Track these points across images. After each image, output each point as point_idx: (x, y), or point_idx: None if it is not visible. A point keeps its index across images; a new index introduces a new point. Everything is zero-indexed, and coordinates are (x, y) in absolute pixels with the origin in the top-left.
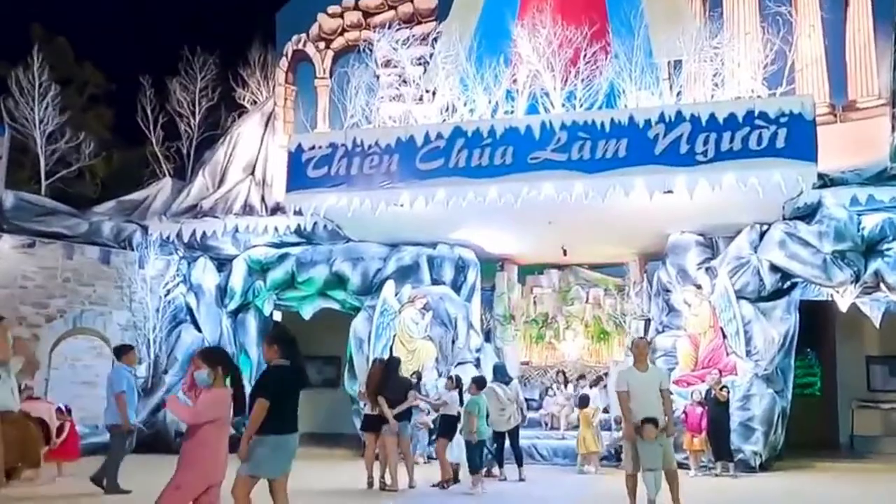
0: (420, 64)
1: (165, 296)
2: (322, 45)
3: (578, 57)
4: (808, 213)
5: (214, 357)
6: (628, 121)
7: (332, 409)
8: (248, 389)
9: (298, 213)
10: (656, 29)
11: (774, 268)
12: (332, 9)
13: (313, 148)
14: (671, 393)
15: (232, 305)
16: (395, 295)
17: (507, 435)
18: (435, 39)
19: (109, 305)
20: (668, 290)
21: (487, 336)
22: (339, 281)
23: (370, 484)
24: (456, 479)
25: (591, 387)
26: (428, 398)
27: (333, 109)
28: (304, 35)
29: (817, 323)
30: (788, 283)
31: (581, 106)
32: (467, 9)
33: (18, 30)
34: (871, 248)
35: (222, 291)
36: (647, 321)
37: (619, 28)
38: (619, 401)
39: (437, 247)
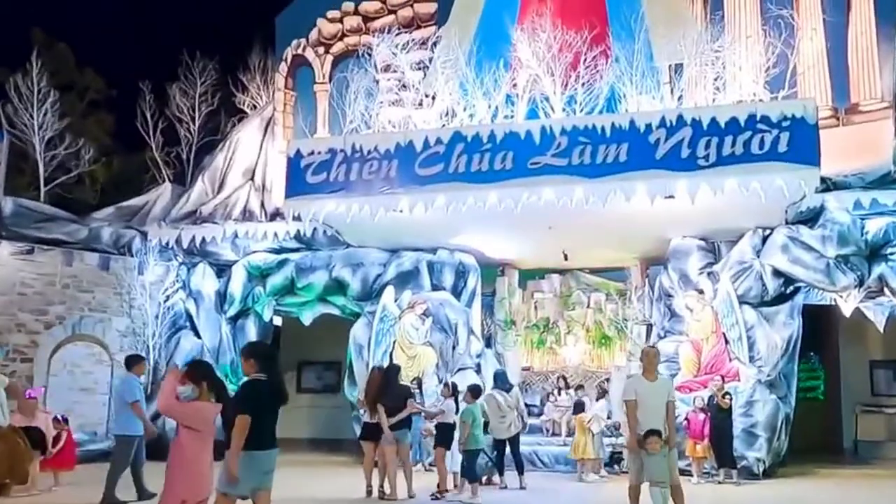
0: (420, 68)
1: (165, 302)
2: (322, 49)
3: (579, 61)
4: (811, 218)
5: (199, 372)
6: (629, 125)
7: (333, 414)
8: None
9: (297, 218)
10: (657, 32)
11: (777, 272)
12: (331, 13)
13: (312, 153)
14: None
15: (231, 311)
16: (395, 301)
17: (507, 442)
18: (434, 44)
19: (109, 312)
20: (669, 295)
21: (488, 342)
22: (338, 286)
23: (369, 492)
24: (455, 486)
25: (597, 400)
26: (425, 407)
27: (333, 114)
28: (303, 40)
29: (820, 327)
30: (791, 287)
31: (581, 110)
32: (467, 13)
33: (19, 35)
34: (874, 252)
35: (222, 297)
36: (649, 326)
37: (620, 32)
38: (627, 410)
39: (438, 252)
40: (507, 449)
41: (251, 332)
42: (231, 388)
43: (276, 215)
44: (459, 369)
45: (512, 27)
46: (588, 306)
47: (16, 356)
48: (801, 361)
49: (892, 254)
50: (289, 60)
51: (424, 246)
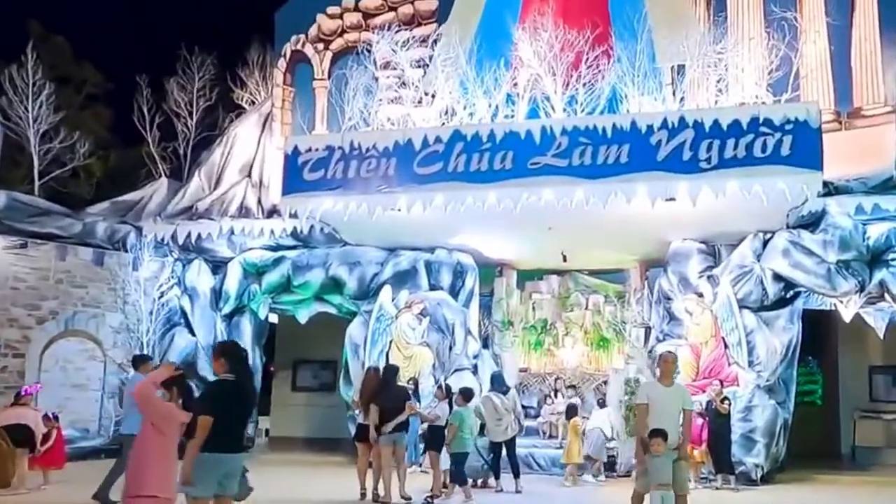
0: (420, 66)
1: (159, 298)
2: (321, 46)
3: (580, 61)
4: (812, 222)
5: (170, 379)
6: (630, 126)
7: (328, 414)
8: None
9: (294, 216)
10: (659, 33)
11: (778, 277)
12: (331, 10)
13: (310, 150)
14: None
15: (226, 309)
16: (392, 300)
17: (503, 445)
18: (435, 42)
19: (102, 307)
20: (669, 298)
21: (485, 342)
22: (335, 285)
23: (363, 495)
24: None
25: (602, 407)
26: (421, 409)
27: (332, 111)
28: (303, 36)
29: (819, 332)
30: (791, 292)
31: (582, 111)
32: (468, 11)
33: (17, 28)
34: (876, 257)
35: (217, 294)
36: (648, 329)
37: (622, 32)
38: (637, 413)
39: (436, 251)
40: (504, 452)
41: (246, 330)
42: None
43: (272, 212)
44: (456, 370)
45: (513, 26)
46: (586, 308)
47: (7, 351)
48: (800, 366)
49: (893, 259)
50: (288, 56)
51: (422, 245)
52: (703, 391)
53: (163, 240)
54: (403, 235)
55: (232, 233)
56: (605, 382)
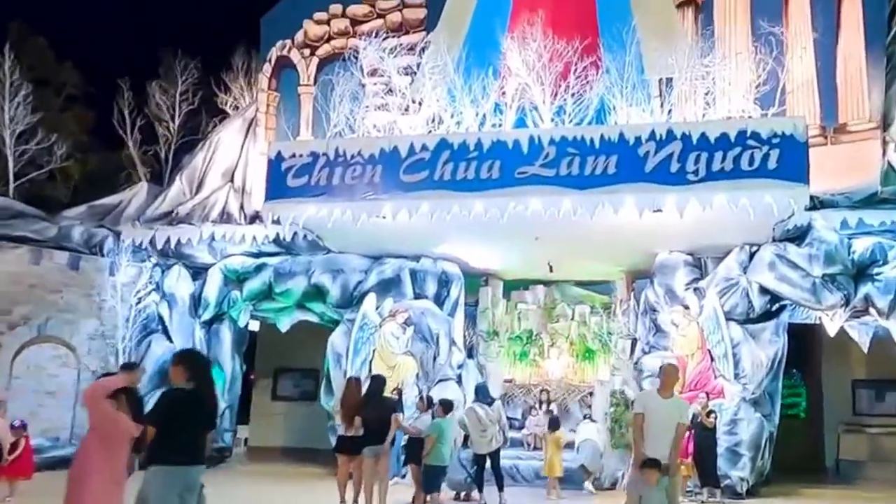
0: (407, 73)
1: (136, 304)
2: (307, 51)
3: (569, 71)
4: (798, 236)
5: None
6: (618, 137)
7: (308, 423)
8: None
9: (277, 222)
10: (648, 45)
11: (764, 290)
12: (318, 15)
13: (293, 156)
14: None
15: (206, 316)
16: (376, 309)
17: (487, 457)
18: (423, 49)
19: (77, 313)
20: (655, 310)
21: (470, 352)
22: (318, 293)
23: None
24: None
25: (592, 421)
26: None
27: (317, 117)
28: (289, 41)
29: (803, 345)
30: (777, 305)
31: (570, 121)
32: (457, 19)
33: None
34: (861, 271)
35: (196, 301)
36: (634, 341)
37: (611, 43)
38: (633, 424)
39: (421, 260)
40: (487, 464)
41: (226, 338)
42: None
43: (255, 218)
44: (440, 380)
45: (502, 35)
46: (572, 319)
47: None
48: (784, 378)
49: (878, 274)
50: (273, 61)
51: (407, 253)
52: (690, 403)
53: (141, 245)
54: (388, 243)
55: (213, 238)
56: (591, 394)
